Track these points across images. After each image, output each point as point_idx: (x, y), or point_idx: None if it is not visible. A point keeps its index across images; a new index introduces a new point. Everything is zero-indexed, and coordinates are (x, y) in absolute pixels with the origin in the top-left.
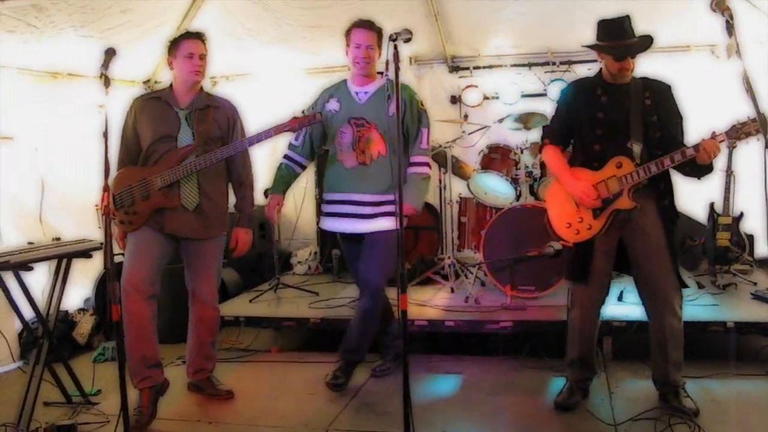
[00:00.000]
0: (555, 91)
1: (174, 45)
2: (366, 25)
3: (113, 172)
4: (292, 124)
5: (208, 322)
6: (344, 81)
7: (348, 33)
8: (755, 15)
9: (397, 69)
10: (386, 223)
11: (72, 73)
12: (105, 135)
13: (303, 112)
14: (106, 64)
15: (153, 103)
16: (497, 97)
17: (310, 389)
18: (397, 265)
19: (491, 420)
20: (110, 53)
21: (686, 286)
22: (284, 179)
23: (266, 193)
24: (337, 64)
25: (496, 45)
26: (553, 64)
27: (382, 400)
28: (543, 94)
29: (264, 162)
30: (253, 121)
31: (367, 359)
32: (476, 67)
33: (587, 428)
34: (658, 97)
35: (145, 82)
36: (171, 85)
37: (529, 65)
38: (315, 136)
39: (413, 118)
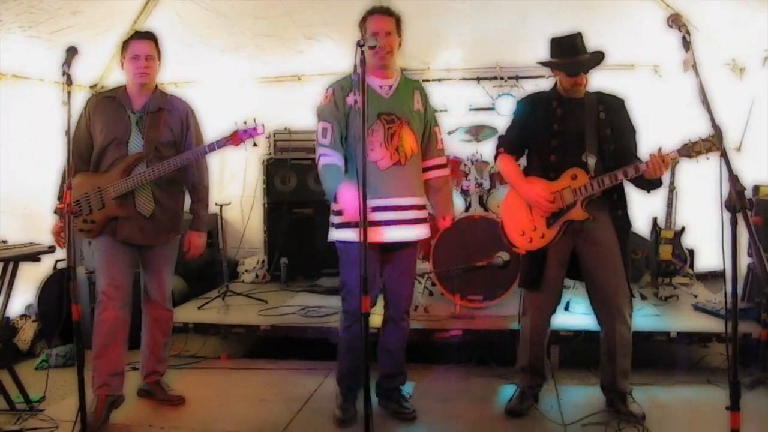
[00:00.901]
0: (503, 105)
1: (124, 46)
2: (381, 10)
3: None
4: (234, 138)
5: (161, 322)
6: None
7: (363, 22)
8: None
9: (363, 74)
10: (426, 230)
11: (17, 74)
12: (67, 134)
13: (254, 120)
14: (68, 62)
15: (106, 103)
16: (446, 111)
17: (263, 395)
18: (361, 269)
19: (444, 426)
20: (72, 52)
21: (633, 296)
22: (340, 173)
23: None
24: (287, 74)
25: (445, 59)
26: (501, 78)
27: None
28: (491, 108)
29: (214, 167)
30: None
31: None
32: (425, 80)
33: (538, 431)
34: (612, 111)
35: (91, 87)
36: (125, 85)
37: (478, 79)
38: (342, 134)
39: (429, 116)
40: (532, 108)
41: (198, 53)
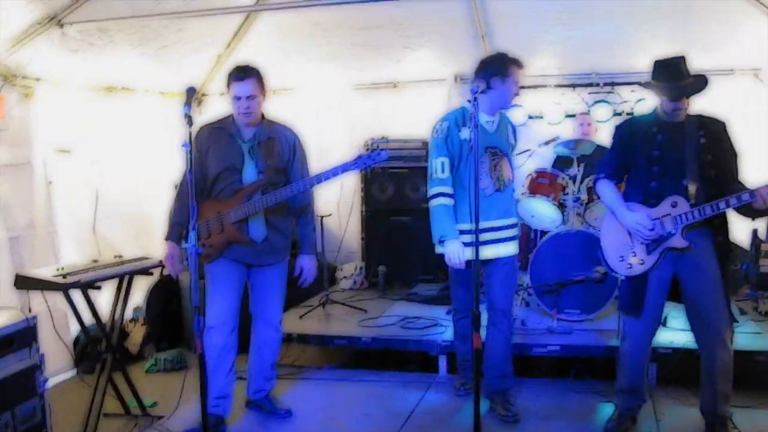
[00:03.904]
0: (599, 112)
1: (227, 82)
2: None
3: (172, 198)
4: (357, 164)
5: (271, 344)
6: (464, 108)
7: (509, 70)
8: None
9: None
10: (517, 247)
11: (126, 87)
12: (191, 172)
13: (366, 148)
14: (188, 103)
15: (218, 132)
16: (541, 117)
17: (366, 409)
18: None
19: None
20: (191, 92)
21: (736, 321)
22: (452, 218)
23: (442, 241)
24: (383, 81)
25: (541, 66)
26: (597, 85)
27: (437, 422)
28: (586, 115)
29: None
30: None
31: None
32: (521, 87)
33: None
34: (713, 135)
35: None
36: (232, 115)
37: (573, 86)
38: (454, 165)
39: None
40: (630, 133)
41: (296, 61)
